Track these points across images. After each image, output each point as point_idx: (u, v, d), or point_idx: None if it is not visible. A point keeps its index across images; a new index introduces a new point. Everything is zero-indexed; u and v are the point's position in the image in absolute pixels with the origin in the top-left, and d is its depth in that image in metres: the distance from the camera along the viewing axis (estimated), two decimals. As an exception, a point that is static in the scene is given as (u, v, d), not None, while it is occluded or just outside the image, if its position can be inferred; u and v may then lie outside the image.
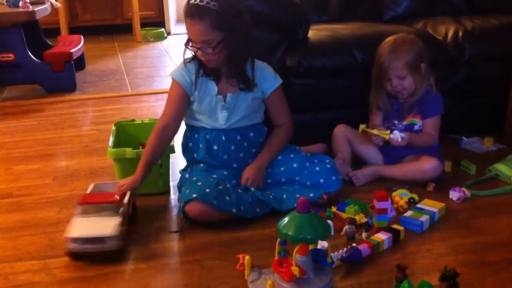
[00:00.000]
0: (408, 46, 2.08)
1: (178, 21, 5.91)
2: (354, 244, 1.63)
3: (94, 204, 1.72)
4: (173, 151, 2.06)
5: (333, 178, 1.94)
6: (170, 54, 4.70)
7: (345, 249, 1.61)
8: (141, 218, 1.90)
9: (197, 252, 1.69)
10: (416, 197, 1.95)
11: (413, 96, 2.11)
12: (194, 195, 1.77)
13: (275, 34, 2.24)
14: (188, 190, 1.80)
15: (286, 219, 1.44)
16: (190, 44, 1.86)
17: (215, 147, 1.96)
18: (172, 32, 5.55)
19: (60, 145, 2.64)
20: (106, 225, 1.64)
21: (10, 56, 3.38)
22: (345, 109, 2.36)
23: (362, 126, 2.11)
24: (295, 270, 1.41)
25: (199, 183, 1.80)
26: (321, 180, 1.93)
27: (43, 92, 3.50)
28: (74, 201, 1.94)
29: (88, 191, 1.85)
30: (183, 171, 2.03)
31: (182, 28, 5.66)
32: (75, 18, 5.33)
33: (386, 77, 2.09)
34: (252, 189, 1.89)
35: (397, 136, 2.05)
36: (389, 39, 2.13)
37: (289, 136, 2.06)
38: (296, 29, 2.28)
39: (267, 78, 1.98)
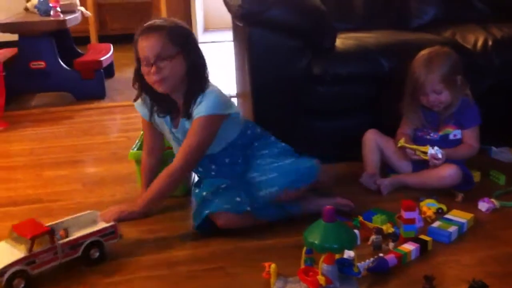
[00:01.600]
0: (444, 59, 2.06)
1: (205, 29, 5.96)
2: (380, 254, 1.61)
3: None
4: None
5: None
6: (197, 62, 4.73)
7: (371, 259, 1.60)
8: (164, 221, 1.93)
9: (221, 259, 1.70)
10: (444, 207, 1.92)
11: (449, 109, 2.09)
12: (226, 206, 1.78)
13: (300, 42, 2.25)
14: (217, 200, 1.81)
15: (312, 228, 1.44)
16: (140, 72, 1.83)
17: (213, 173, 1.96)
18: (199, 40, 5.59)
19: (88, 152, 2.68)
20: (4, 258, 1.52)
21: (42, 64, 3.45)
22: (371, 116, 2.35)
23: (401, 141, 2.09)
24: (321, 279, 1.41)
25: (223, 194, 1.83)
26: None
27: (72, 100, 3.56)
28: (102, 207, 1.98)
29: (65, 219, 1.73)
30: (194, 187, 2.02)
31: (209, 37, 5.73)
32: (104, 26, 5.42)
33: (422, 92, 2.07)
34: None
35: (436, 152, 2.02)
36: (424, 52, 2.10)
37: (171, 180, 1.85)
38: (323, 37, 2.28)
39: (201, 103, 1.82)
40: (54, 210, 2.06)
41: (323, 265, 1.43)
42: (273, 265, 1.52)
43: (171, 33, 1.79)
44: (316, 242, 1.41)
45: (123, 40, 5.31)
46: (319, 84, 2.27)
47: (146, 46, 1.79)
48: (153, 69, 1.78)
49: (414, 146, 2.07)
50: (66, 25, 3.52)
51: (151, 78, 1.80)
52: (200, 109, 1.81)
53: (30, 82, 3.46)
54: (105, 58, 3.71)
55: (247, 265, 1.65)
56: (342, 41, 2.38)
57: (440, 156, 2.02)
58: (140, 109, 1.96)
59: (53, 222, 1.70)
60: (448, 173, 2.02)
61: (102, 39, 5.07)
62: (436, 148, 2.04)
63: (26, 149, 2.75)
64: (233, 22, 2.84)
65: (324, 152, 2.28)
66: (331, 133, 2.36)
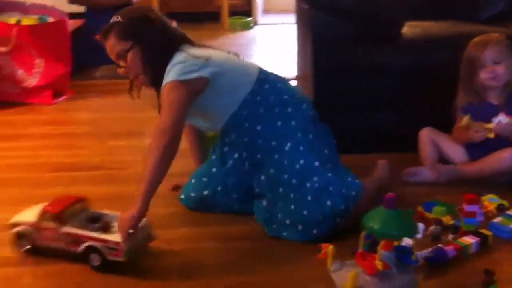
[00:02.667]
0: (498, 38, 2.08)
1: (265, 11, 5.96)
2: (439, 245, 1.60)
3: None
4: None
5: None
6: (256, 43, 4.76)
7: (429, 249, 1.59)
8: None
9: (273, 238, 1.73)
10: (506, 203, 1.89)
11: (506, 89, 2.07)
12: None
13: (363, 29, 2.23)
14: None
15: (372, 214, 1.44)
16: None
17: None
18: (259, 22, 5.60)
19: (150, 124, 2.74)
20: None
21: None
22: (431, 110, 2.31)
23: (466, 119, 2.07)
24: (378, 264, 1.41)
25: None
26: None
27: (134, 74, 3.63)
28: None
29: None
30: None
31: (269, 19, 5.73)
32: (165, 4, 5.48)
33: (480, 65, 2.05)
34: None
35: (501, 120, 2.02)
36: (476, 38, 2.11)
37: (156, 163, 1.60)
38: (386, 25, 2.26)
39: (166, 77, 1.70)
40: (115, 178, 2.14)
41: (381, 251, 1.43)
42: (330, 247, 1.53)
43: (120, 30, 1.73)
44: (375, 227, 1.41)
45: (183, 18, 5.38)
46: (380, 72, 2.26)
47: (108, 51, 1.77)
48: (121, 70, 1.77)
49: (479, 123, 2.05)
50: (131, 1, 3.58)
51: (129, 75, 1.79)
52: (163, 82, 1.70)
53: (94, 54, 3.54)
54: (168, 34, 3.76)
55: (304, 244, 1.67)
56: (408, 29, 2.35)
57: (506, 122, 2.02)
58: None
59: (105, 211, 1.67)
60: (507, 156, 1.99)
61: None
62: (501, 117, 2.03)
63: (90, 118, 2.84)
64: (298, 5, 2.84)
65: (374, 143, 2.29)
66: (390, 126, 2.34)
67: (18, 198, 1.96)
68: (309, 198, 1.70)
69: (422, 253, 1.58)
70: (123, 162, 2.28)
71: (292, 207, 1.72)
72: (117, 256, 1.51)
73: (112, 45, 1.74)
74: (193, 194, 1.90)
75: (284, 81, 1.92)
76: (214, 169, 1.89)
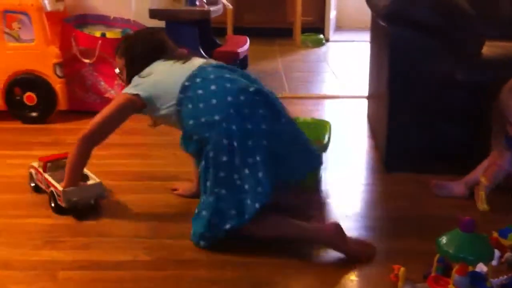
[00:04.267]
0: None
1: (337, 28, 5.97)
2: (516, 273, 1.56)
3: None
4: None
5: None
6: (327, 60, 4.77)
7: (505, 276, 1.55)
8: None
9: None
10: None
11: None
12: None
13: (444, 45, 2.21)
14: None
15: (447, 236, 1.42)
16: None
17: None
18: (330, 39, 5.62)
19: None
20: None
21: (184, 51, 3.63)
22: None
23: None
24: (452, 288, 1.39)
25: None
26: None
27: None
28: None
29: None
30: None
31: (341, 36, 5.74)
32: (240, 19, 5.59)
33: (508, 121, 1.98)
34: None
35: None
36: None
37: (75, 149, 1.92)
38: (468, 41, 2.23)
39: None
40: (190, 189, 2.19)
41: (455, 276, 1.41)
42: (402, 269, 1.52)
43: (118, 51, 2.04)
44: (450, 251, 1.39)
45: (257, 33, 5.48)
46: (460, 90, 2.23)
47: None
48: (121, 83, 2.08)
49: None
50: (209, 16, 3.69)
51: None
52: None
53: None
54: (242, 50, 3.84)
55: (376, 265, 1.67)
56: (488, 48, 2.30)
57: None
58: None
59: (88, 173, 2.04)
60: None
61: (237, 30, 5.25)
62: None
63: (165, 129, 2.92)
64: (374, 22, 2.84)
65: (446, 161, 2.27)
66: (456, 140, 2.30)
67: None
68: (204, 212, 1.73)
69: (497, 281, 1.54)
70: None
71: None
72: (61, 202, 1.92)
73: (117, 61, 2.06)
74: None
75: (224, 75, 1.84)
76: None
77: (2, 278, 1.61)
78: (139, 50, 1.97)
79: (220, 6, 3.93)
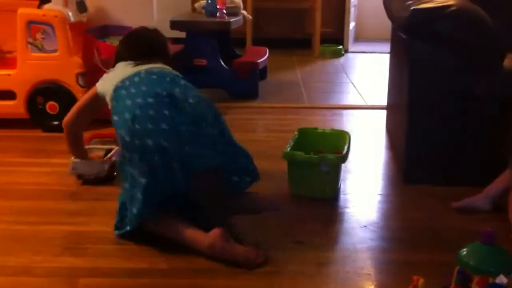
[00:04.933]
0: None
1: (355, 39, 5.97)
2: (537, 286, 1.54)
3: None
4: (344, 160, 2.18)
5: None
6: (346, 71, 4.77)
7: (526, 289, 1.53)
8: (311, 225, 1.99)
9: (370, 266, 1.73)
10: None
11: None
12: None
13: (465, 59, 2.20)
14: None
15: (468, 248, 1.42)
16: None
17: None
18: (349, 50, 5.62)
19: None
20: None
21: (203, 62, 3.67)
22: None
23: None
24: (472, 300, 1.38)
25: None
26: None
27: (227, 97, 3.74)
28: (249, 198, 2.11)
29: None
30: None
31: (359, 47, 5.74)
32: (259, 30, 5.63)
33: None
34: None
35: None
36: None
37: (65, 134, 2.20)
38: (490, 55, 2.21)
39: None
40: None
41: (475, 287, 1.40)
42: (421, 280, 1.51)
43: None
44: (471, 262, 1.39)
45: (276, 43, 5.51)
46: (479, 103, 2.21)
47: None
48: None
49: None
50: (230, 27, 3.72)
51: None
52: None
53: (192, 77, 3.68)
54: (261, 60, 3.86)
55: (395, 275, 1.66)
56: (509, 61, 2.29)
57: None
58: None
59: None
60: None
61: (256, 41, 5.28)
62: None
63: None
64: (394, 34, 2.84)
65: (466, 174, 2.25)
66: (476, 154, 2.29)
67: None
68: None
69: (518, 293, 1.52)
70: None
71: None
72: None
73: None
74: None
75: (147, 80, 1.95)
76: None
77: (23, 285, 1.63)
78: (118, 49, 2.18)
79: (240, 18, 3.96)
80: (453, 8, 2.16)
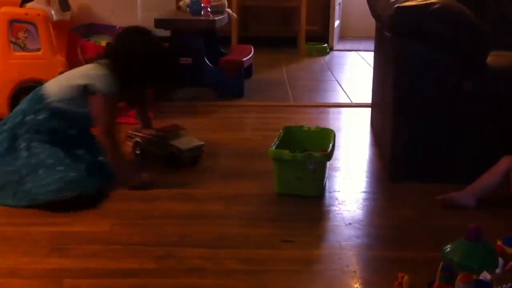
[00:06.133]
0: None
1: (340, 37, 6.00)
2: (520, 281, 1.56)
3: None
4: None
5: None
6: (331, 69, 4.79)
7: (509, 284, 1.55)
8: (297, 223, 1.99)
9: (356, 264, 1.74)
10: None
11: None
12: None
13: (452, 57, 2.22)
14: None
15: (453, 245, 1.44)
16: None
17: None
18: (334, 47, 5.64)
19: (227, 146, 2.83)
20: None
21: (189, 60, 3.66)
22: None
23: None
24: (457, 297, 1.40)
25: None
26: None
27: (212, 96, 3.73)
28: (240, 200, 2.13)
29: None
30: None
31: (344, 45, 5.76)
32: (245, 28, 5.62)
33: None
34: None
35: None
36: None
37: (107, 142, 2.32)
38: (476, 53, 2.24)
39: None
40: (195, 197, 2.22)
41: (460, 284, 1.42)
42: (406, 277, 1.53)
43: None
44: (455, 259, 1.41)
45: (261, 42, 5.50)
46: (464, 99, 2.24)
47: None
48: None
49: None
50: (215, 25, 3.70)
51: None
52: None
53: (177, 76, 3.68)
54: (247, 59, 3.86)
55: (380, 273, 1.68)
56: (495, 59, 2.32)
57: None
58: None
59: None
60: None
61: (242, 40, 5.27)
62: None
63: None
64: (379, 32, 2.86)
65: (457, 172, 2.26)
66: (467, 153, 2.31)
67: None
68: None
69: (502, 288, 1.54)
70: (201, 181, 2.36)
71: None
72: None
73: None
74: None
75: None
76: None
77: (10, 286, 1.62)
78: (136, 67, 2.40)
79: (225, 16, 3.95)
80: (436, 6, 2.18)
